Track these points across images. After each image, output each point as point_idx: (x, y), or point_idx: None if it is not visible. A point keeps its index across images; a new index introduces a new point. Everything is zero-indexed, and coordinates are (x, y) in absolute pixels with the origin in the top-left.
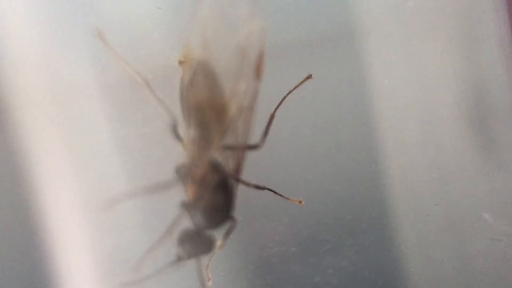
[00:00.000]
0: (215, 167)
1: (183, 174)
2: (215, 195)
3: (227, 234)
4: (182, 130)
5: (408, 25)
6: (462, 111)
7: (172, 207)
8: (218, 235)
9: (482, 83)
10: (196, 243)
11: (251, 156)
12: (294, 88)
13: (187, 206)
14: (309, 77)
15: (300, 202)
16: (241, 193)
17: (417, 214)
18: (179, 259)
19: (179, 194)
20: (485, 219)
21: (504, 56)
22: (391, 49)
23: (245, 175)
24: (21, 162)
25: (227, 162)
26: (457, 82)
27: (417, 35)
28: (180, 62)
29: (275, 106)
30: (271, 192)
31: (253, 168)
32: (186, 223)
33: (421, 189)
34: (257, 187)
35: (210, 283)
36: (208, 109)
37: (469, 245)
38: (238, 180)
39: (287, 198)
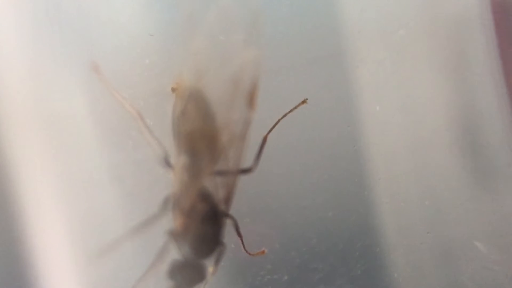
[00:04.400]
0: (204, 197)
1: (172, 203)
2: (203, 226)
3: (218, 260)
4: (173, 157)
5: (399, 52)
6: (453, 139)
7: (161, 235)
8: (208, 262)
9: (473, 110)
10: (187, 274)
11: (242, 182)
12: (288, 112)
13: (174, 236)
14: (304, 101)
15: (262, 252)
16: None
17: (409, 242)
18: None
19: (168, 223)
20: (478, 248)
21: (495, 84)
22: (382, 76)
23: (235, 201)
24: (13, 189)
25: (217, 191)
26: (448, 109)
27: (408, 62)
28: (173, 89)
29: (266, 129)
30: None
31: (243, 194)
32: (174, 253)
33: (413, 217)
34: (238, 231)
35: None
36: (199, 138)
37: (462, 273)
38: (227, 212)
39: (250, 254)
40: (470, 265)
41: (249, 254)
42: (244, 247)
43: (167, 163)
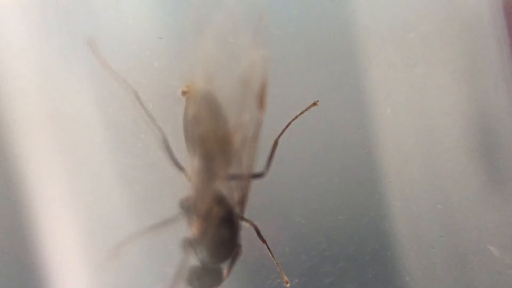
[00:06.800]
0: (219, 201)
1: (187, 208)
2: (220, 229)
3: (233, 262)
4: (186, 161)
5: (410, 55)
6: (466, 142)
7: (175, 241)
8: (225, 265)
9: (486, 114)
10: (205, 278)
11: (253, 185)
12: (299, 115)
13: (191, 242)
14: (315, 103)
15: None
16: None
17: (421, 246)
18: None
19: (182, 228)
20: (491, 252)
21: (507, 86)
22: (393, 78)
23: (248, 205)
24: (22, 193)
25: (232, 194)
26: (460, 112)
27: (419, 65)
28: (183, 93)
29: (277, 132)
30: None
31: (253, 198)
32: (192, 260)
33: (425, 221)
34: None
35: None
36: (212, 141)
37: (475, 278)
38: (242, 215)
39: (276, 263)
40: (483, 269)
41: (276, 263)
42: (271, 253)
43: (167, 146)
